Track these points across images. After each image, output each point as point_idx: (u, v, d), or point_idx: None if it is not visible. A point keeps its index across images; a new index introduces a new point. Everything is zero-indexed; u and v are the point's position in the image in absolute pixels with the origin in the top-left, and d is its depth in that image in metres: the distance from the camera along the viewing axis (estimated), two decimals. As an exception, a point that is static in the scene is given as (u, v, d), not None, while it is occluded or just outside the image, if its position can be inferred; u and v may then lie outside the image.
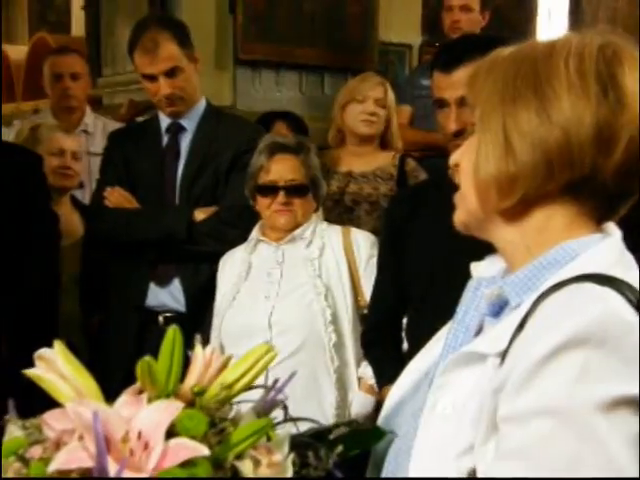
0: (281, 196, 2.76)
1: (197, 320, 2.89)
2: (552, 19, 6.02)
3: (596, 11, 5.77)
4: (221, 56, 4.51)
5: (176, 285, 3.09)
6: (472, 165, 1.15)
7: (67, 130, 3.82)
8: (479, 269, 1.23)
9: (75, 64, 4.25)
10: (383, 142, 3.63)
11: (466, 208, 1.18)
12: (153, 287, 3.10)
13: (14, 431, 0.98)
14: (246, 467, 0.97)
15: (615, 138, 1.09)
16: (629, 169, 1.10)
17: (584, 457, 0.96)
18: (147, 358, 0.97)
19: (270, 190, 2.77)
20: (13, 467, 0.92)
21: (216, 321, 2.82)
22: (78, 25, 6.03)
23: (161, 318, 3.07)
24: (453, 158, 1.21)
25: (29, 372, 1.00)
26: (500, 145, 1.11)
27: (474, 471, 1.06)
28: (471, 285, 1.23)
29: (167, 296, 3.10)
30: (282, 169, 2.78)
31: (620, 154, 1.09)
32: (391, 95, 3.61)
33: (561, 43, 1.14)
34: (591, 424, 0.97)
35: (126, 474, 0.87)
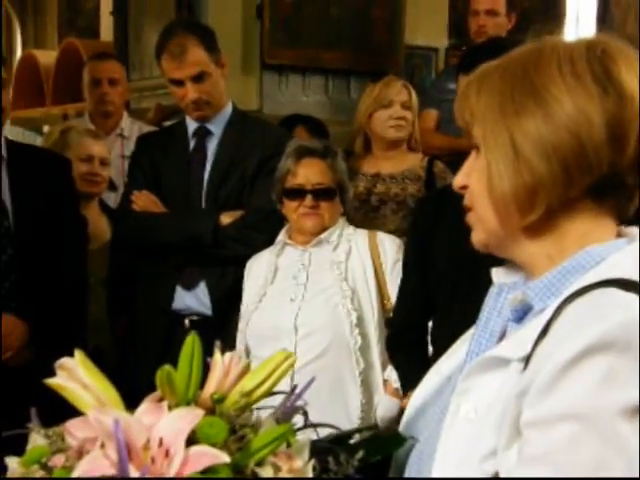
0: (308, 199, 2.78)
1: (223, 323, 2.91)
2: (580, 23, 5.97)
3: (625, 15, 5.71)
4: (248, 60, 4.53)
5: (202, 288, 3.11)
6: (484, 185, 1.14)
7: (104, 134, 3.87)
8: (500, 274, 1.23)
9: (113, 69, 4.30)
10: (409, 144, 3.63)
11: (485, 229, 1.16)
12: (179, 290, 3.12)
13: (37, 439, 0.99)
14: (266, 474, 0.98)
15: (625, 133, 1.08)
16: None
17: (608, 462, 0.96)
18: (166, 367, 0.97)
19: (297, 193, 2.79)
20: (36, 475, 0.93)
21: (242, 324, 2.83)
22: (106, 30, 6.08)
23: (187, 321, 3.09)
24: (457, 181, 1.19)
25: (51, 381, 1.01)
26: (511, 160, 1.10)
27: (497, 476, 1.06)
28: (493, 291, 1.23)
29: (193, 299, 3.12)
30: (309, 173, 2.79)
31: (633, 148, 1.09)
32: (414, 96, 3.61)
33: (548, 49, 1.13)
34: (615, 429, 0.96)
35: (147, 481, 0.88)
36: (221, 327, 2.87)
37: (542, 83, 1.10)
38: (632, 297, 1.02)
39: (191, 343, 1.01)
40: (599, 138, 1.08)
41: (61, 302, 2.82)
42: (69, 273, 2.86)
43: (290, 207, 2.81)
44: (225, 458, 0.93)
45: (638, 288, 1.03)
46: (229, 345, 2.59)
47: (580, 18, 6.03)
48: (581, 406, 0.97)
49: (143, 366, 2.74)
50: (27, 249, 2.74)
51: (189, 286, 3.12)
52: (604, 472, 0.96)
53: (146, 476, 0.88)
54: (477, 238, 1.19)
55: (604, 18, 5.89)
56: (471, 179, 1.17)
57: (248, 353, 2.76)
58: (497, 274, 1.23)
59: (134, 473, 0.88)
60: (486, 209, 1.15)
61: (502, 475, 1.04)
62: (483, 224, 1.17)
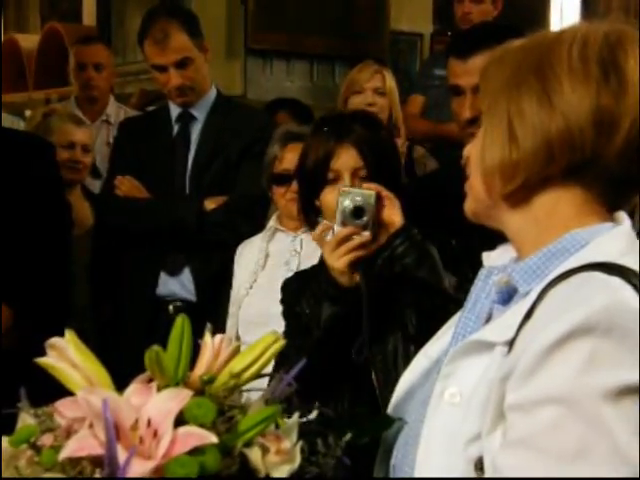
0: (295, 185, 2.77)
1: (207, 309, 2.90)
2: (565, 8, 5.99)
3: (609, 0, 5.72)
4: (232, 45, 4.52)
5: (186, 274, 3.11)
6: (479, 153, 1.16)
7: (88, 120, 3.84)
8: (490, 258, 1.24)
9: (99, 54, 4.26)
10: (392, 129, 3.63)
11: (475, 196, 1.19)
12: (163, 276, 3.11)
13: (27, 419, 0.99)
14: (254, 454, 0.98)
15: (616, 122, 1.09)
16: (633, 153, 1.10)
17: (591, 445, 0.97)
18: (155, 347, 0.97)
19: (284, 179, 2.77)
20: (25, 455, 0.94)
21: (233, 309, 2.82)
22: (89, 14, 6.04)
23: (171, 307, 3.09)
24: (466, 150, 1.22)
25: (41, 361, 1.01)
26: (504, 132, 1.12)
27: (481, 460, 1.06)
28: (482, 274, 1.24)
29: (177, 285, 3.11)
30: (295, 158, 2.77)
31: (622, 138, 1.09)
32: (390, 81, 3.60)
33: (569, 31, 1.15)
34: (598, 412, 0.97)
35: (135, 461, 0.88)
36: (205, 313, 2.86)
37: (548, 60, 1.12)
38: (615, 280, 1.03)
39: (181, 324, 1.01)
40: (586, 121, 1.09)
41: (45, 288, 2.80)
42: (53, 259, 2.84)
43: (278, 193, 2.80)
44: (213, 438, 0.93)
45: (621, 271, 1.04)
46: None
47: (564, 3, 6.04)
48: (564, 390, 0.98)
49: (127, 352, 2.73)
50: (10, 234, 2.72)
51: (173, 272, 3.12)
52: (587, 455, 0.97)
53: (134, 456, 0.88)
54: (468, 206, 1.21)
55: (588, 2, 5.90)
56: (473, 148, 1.19)
57: (238, 338, 2.76)
58: (487, 257, 1.24)
59: (122, 453, 0.89)
60: (476, 176, 1.17)
61: (487, 459, 1.05)
62: (473, 191, 1.19)
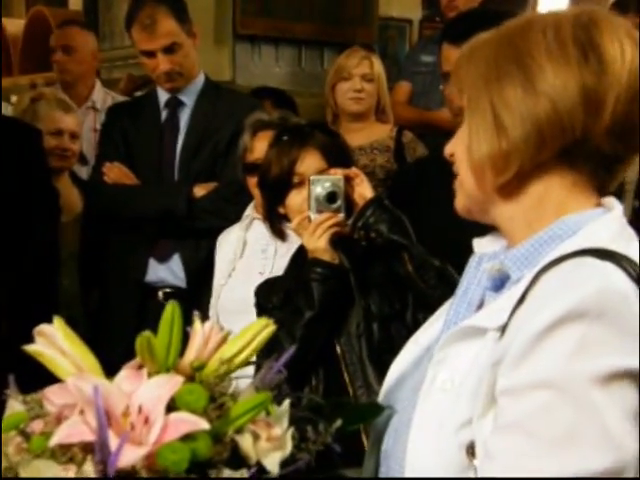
0: None
1: (197, 296, 2.90)
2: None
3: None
4: (220, 31, 4.49)
5: (176, 261, 3.11)
6: (465, 150, 1.16)
7: (75, 106, 3.80)
8: (481, 245, 1.24)
9: (69, 37, 4.18)
10: (380, 114, 3.63)
11: (465, 193, 1.19)
12: (153, 263, 3.11)
13: (15, 406, 0.99)
14: (245, 441, 0.98)
15: (601, 100, 1.10)
16: (621, 129, 1.11)
17: (581, 429, 0.97)
18: (146, 333, 0.97)
19: (255, 168, 2.75)
20: (14, 441, 0.93)
21: (213, 299, 2.83)
22: (75, -2, 6.01)
23: (161, 294, 3.08)
24: (447, 148, 1.22)
25: (29, 348, 1.01)
26: (490, 124, 1.13)
27: (472, 445, 1.07)
28: (473, 260, 1.24)
29: (167, 272, 3.11)
30: (265, 146, 2.75)
31: (609, 115, 1.10)
32: (378, 67, 3.60)
33: (537, 17, 1.16)
34: (588, 396, 0.98)
35: (127, 448, 0.88)
36: (195, 299, 2.86)
37: (525, 47, 1.12)
38: (608, 266, 1.04)
39: (171, 311, 1.01)
40: (573, 102, 1.10)
41: (33, 275, 2.80)
42: (41, 246, 2.83)
43: (251, 182, 2.79)
44: (204, 425, 0.93)
45: (613, 257, 1.05)
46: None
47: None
48: (554, 374, 0.98)
49: (116, 339, 2.73)
50: (-3, 221, 2.71)
51: (162, 258, 3.11)
52: (577, 440, 0.97)
53: (125, 443, 0.87)
54: (459, 204, 1.21)
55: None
56: (457, 146, 1.19)
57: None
58: (478, 244, 1.25)
59: (113, 440, 0.88)
60: (466, 173, 1.17)
61: (478, 443, 1.05)
62: (463, 188, 1.19)
